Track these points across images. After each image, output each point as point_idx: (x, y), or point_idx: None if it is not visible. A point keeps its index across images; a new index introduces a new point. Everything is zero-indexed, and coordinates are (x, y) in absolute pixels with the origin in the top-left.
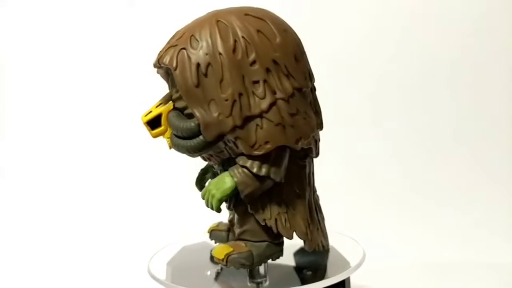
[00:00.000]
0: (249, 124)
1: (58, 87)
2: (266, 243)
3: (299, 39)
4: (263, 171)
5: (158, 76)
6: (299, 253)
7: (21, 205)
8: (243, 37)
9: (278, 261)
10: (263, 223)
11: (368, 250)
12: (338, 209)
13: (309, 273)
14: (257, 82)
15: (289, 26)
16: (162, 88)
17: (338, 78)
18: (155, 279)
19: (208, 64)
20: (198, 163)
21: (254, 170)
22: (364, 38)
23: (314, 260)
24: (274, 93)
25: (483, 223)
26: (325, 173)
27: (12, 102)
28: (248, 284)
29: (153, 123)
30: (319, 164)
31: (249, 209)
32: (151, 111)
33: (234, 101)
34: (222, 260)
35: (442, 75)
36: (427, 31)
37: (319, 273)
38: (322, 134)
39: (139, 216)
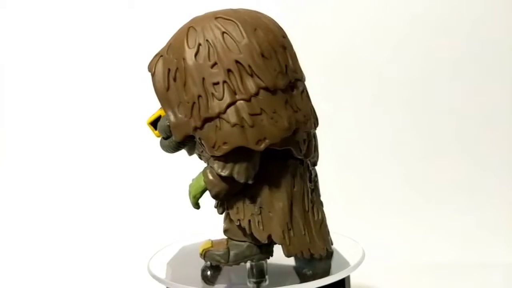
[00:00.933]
0: (209, 125)
1: (58, 88)
2: (246, 243)
3: (276, 37)
4: (226, 171)
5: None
6: None
7: (21, 205)
8: (207, 40)
9: (278, 261)
10: (237, 223)
11: (368, 250)
12: (338, 209)
13: (309, 272)
14: (217, 83)
15: (266, 24)
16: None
17: (338, 78)
18: (156, 278)
19: (176, 69)
20: (199, 163)
21: (218, 171)
22: (364, 38)
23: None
24: (234, 93)
25: (483, 223)
26: (325, 173)
27: (12, 103)
28: (248, 283)
29: (156, 124)
30: (319, 164)
31: (226, 208)
32: (154, 113)
33: (194, 103)
34: (201, 254)
35: (443, 75)
36: (427, 31)
37: (319, 273)
38: (321, 134)
39: (139, 216)
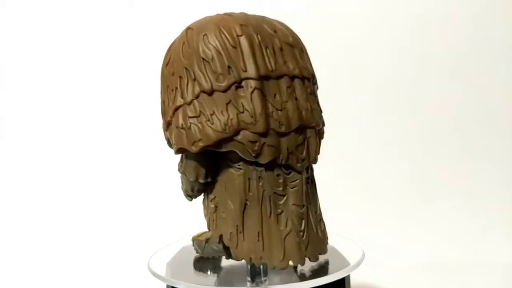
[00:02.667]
0: (169, 128)
1: (58, 88)
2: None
3: (228, 38)
4: (180, 170)
5: (158, 77)
6: None
7: (21, 205)
8: (173, 51)
9: None
10: (206, 219)
11: (368, 250)
12: (338, 209)
13: (309, 272)
14: (173, 90)
15: (223, 25)
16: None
17: (338, 78)
18: (156, 275)
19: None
20: None
21: (178, 169)
22: (364, 39)
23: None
24: (181, 98)
25: (483, 223)
26: (325, 173)
27: (12, 103)
28: (248, 283)
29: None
30: (318, 165)
31: None
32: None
33: (161, 108)
34: (192, 240)
35: (443, 76)
36: (428, 31)
37: (319, 273)
38: None
39: (139, 216)
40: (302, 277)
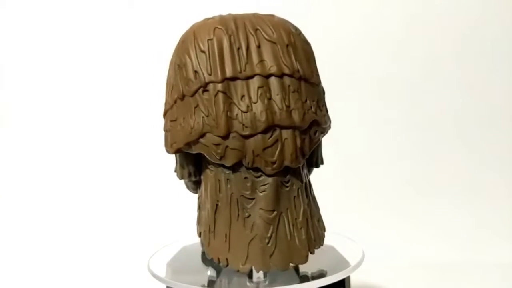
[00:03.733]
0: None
1: (58, 88)
2: None
3: (198, 43)
4: (174, 169)
5: (157, 77)
6: None
7: (21, 205)
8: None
9: None
10: None
11: (368, 250)
12: (338, 209)
13: (309, 272)
14: (166, 96)
15: (196, 32)
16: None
17: (337, 77)
18: (156, 277)
19: None
20: None
21: None
22: (364, 39)
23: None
24: (167, 103)
25: (483, 223)
26: (326, 173)
27: (11, 103)
28: (248, 284)
29: None
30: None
31: None
32: None
33: None
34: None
35: (443, 75)
36: (427, 31)
37: (319, 273)
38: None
39: (139, 216)
40: (303, 278)
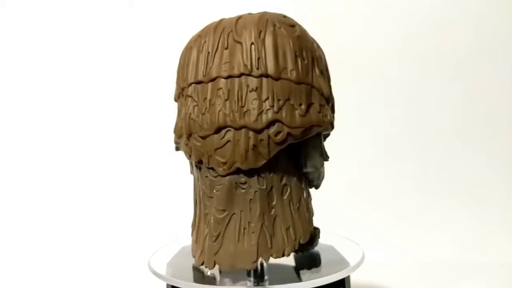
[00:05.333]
0: None
1: (58, 88)
2: None
3: (187, 50)
4: None
5: (157, 77)
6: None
7: (22, 205)
8: None
9: (278, 261)
10: None
11: (368, 250)
12: (338, 209)
13: (309, 272)
14: None
15: (188, 42)
16: (160, 88)
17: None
18: (157, 275)
19: None
20: None
21: None
22: (366, 38)
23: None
24: None
25: (483, 223)
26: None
27: (11, 103)
28: (248, 283)
29: None
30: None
31: None
32: None
33: None
34: None
35: (445, 76)
36: (428, 30)
37: (319, 273)
38: None
39: (139, 216)
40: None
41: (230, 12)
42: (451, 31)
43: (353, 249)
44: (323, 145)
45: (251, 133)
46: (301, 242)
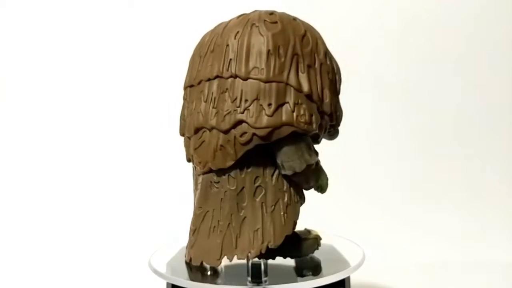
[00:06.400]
0: None
1: (57, 88)
2: None
3: (201, 41)
4: None
5: (157, 77)
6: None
7: (22, 205)
8: None
9: (278, 261)
10: None
11: (368, 250)
12: (338, 209)
13: (309, 273)
14: None
15: (208, 34)
16: (160, 89)
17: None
18: (157, 273)
19: None
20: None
21: None
22: (365, 38)
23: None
24: None
25: (483, 223)
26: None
27: (11, 104)
28: (248, 283)
29: None
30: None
31: None
32: None
33: None
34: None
35: (444, 76)
36: (427, 31)
37: (319, 273)
38: None
39: (139, 216)
40: (303, 278)
41: (230, 12)
42: (451, 31)
43: (353, 249)
44: (307, 147)
45: (220, 134)
46: (270, 246)
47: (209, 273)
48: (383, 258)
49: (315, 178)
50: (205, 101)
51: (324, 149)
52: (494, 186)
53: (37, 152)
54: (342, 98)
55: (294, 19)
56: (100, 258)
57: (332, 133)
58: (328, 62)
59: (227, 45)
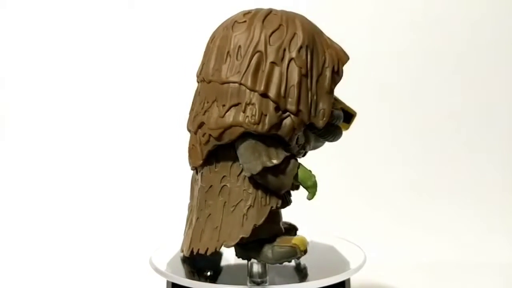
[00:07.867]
0: None
1: (57, 88)
2: None
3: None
4: None
5: (157, 77)
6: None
7: (22, 205)
8: None
9: None
10: None
11: (368, 250)
12: (338, 210)
13: (309, 273)
14: None
15: (220, 28)
16: (159, 88)
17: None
18: (158, 271)
19: None
20: None
21: None
22: (365, 40)
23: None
24: None
25: (483, 223)
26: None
27: (11, 104)
28: (248, 283)
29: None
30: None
31: None
32: None
33: None
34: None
35: (444, 76)
36: (427, 33)
37: (319, 274)
38: None
39: (141, 213)
40: (302, 277)
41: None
42: (453, 34)
43: (354, 251)
44: (265, 148)
45: (192, 134)
46: (225, 246)
47: (209, 273)
48: (383, 258)
49: (279, 181)
50: (200, 103)
51: (324, 149)
52: (494, 186)
53: (37, 152)
54: (342, 98)
55: (271, 12)
56: (101, 256)
57: (323, 134)
58: (304, 57)
59: (228, 52)
